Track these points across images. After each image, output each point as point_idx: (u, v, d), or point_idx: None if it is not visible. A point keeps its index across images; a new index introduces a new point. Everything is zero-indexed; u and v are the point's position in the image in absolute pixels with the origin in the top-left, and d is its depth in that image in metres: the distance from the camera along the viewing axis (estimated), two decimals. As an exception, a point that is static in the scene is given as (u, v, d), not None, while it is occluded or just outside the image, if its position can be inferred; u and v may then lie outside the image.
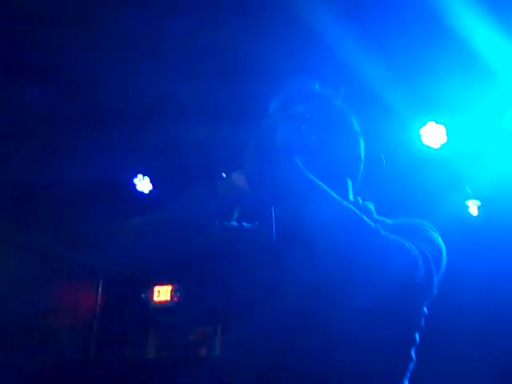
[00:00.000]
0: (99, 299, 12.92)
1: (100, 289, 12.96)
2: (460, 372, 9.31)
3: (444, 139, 8.23)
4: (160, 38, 7.45)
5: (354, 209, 2.55)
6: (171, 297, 12.37)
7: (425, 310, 2.78)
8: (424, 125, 8.08)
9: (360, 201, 2.97)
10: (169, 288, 12.40)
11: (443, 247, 2.78)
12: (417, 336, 2.76)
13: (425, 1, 6.50)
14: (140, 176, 9.78)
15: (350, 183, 2.94)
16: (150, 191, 9.95)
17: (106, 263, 12.75)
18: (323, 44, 7.23)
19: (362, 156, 3.00)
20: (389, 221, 2.83)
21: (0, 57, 7.43)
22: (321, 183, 2.57)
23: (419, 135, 8.13)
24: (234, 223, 2.93)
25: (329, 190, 2.56)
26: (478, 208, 9.23)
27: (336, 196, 2.55)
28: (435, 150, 8.31)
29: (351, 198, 2.93)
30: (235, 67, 7.81)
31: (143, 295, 12.59)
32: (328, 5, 6.65)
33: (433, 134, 8.19)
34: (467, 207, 9.12)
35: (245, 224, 2.95)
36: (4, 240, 10.78)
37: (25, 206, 10.41)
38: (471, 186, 9.00)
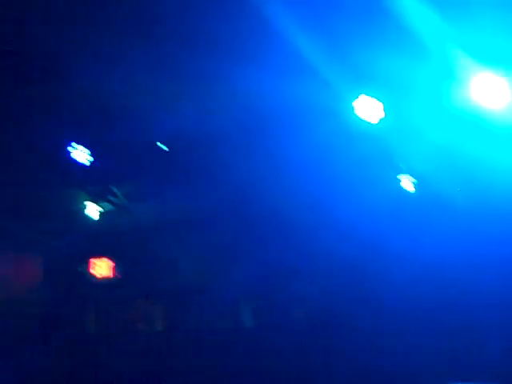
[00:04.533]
0: (38, 272, 12.74)
1: (39, 262, 12.77)
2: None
3: (381, 114, 8.24)
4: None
5: None
6: (113, 273, 12.25)
7: None
8: (357, 97, 8.08)
9: None
10: (108, 263, 12.26)
11: None
12: None
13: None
14: (74, 144, 9.58)
15: None
16: (92, 163, 9.79)
17: (44, 235, 12.56)
18: (263, 15, 7.20)
19: None
20: None
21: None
22: None
23: (353, 108, 8.12)
24: None
25: None
26: (414, 185, 9.28)
27: None
28: (371, 124, 8.31)
29: None
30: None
31: (79, 268, 12.43)
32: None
33: (369, 109, 8.19)
34: (399, 181, 9.16)
35: None
36: None
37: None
38: (405, 161, 9.06)
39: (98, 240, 12.01)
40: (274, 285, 11.27)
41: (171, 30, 7.47)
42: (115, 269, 12.22)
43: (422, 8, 6.85)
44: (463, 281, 9.48)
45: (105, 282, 12.14)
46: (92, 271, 12.32)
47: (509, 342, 9.11)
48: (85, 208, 10.79)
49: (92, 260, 12.34)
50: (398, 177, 9.12)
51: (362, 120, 8.15)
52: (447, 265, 9.50)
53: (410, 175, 9.14)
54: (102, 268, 12.25)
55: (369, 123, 8.23)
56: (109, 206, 10.95)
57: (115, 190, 10.72)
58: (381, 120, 8.22)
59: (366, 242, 9.79)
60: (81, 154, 9.70)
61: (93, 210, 10.85)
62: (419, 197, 9.40)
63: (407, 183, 9.18)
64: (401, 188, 9.19)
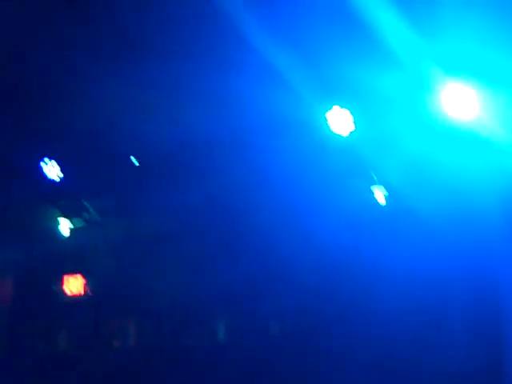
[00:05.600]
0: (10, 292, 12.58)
1: (11, 281, 12.61)
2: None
3: (352, 127, 8.30)
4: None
5: None
6: (86, 289, 12.14)
7: None
8: (330, 109, 8.14)
9: None
10: (81, 279, 12.14)
11: None
12: None
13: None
14: (47, 160, 9.51)
15: None
16: (63, 178, 9.73)
17: (16, 253, 12.42)
18: (233, 28, 7.24)
19: None
20: None
21: None
22: None
23: (326, 120, 8.18)
24: None
25: None
26: (386, 197, 9.32)
27: None
28: (344, 136, 8.37)
29: None
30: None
31: (54, 287, 12.29)
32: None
33: (340, 121, 8.24)
34: (372, 193, 9.21)
35: None
36: None
37: None
38: (377, 172, 9.11)
39: (71, 256, 11.90)
40: (248, 300, 11.22)
41: (144, 40, 7.51)
42: (88, 285, 12.10)
43: (392, 19, 6.92)
44: (434, 293, 9.51)
45: (78, 299, 12.00)
46: (65, 288, 12.18)
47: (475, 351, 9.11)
48: (57, 224, 10.68)
49: (65, 277, 12.21)
50: (371, 188, 9.17)
51: (333, 131, 8.21)
52: (417, 278, 9.51)
53: (383, 186, 9.19)
54: (75, 285, 12.12)
55: (340, 135, 8.30)
56: (81, 222, 10.85)
57: (87, 205, 10.64)
58: (352, 132, 8.29)
59: (340, 254, 9.81)
60: (52, 169, 9.61)
61: (65, 227, 10.75)
62: (391, 209, 9.44)
63: (380, 195, 9.22)
64: (374, 200, 9.24)
